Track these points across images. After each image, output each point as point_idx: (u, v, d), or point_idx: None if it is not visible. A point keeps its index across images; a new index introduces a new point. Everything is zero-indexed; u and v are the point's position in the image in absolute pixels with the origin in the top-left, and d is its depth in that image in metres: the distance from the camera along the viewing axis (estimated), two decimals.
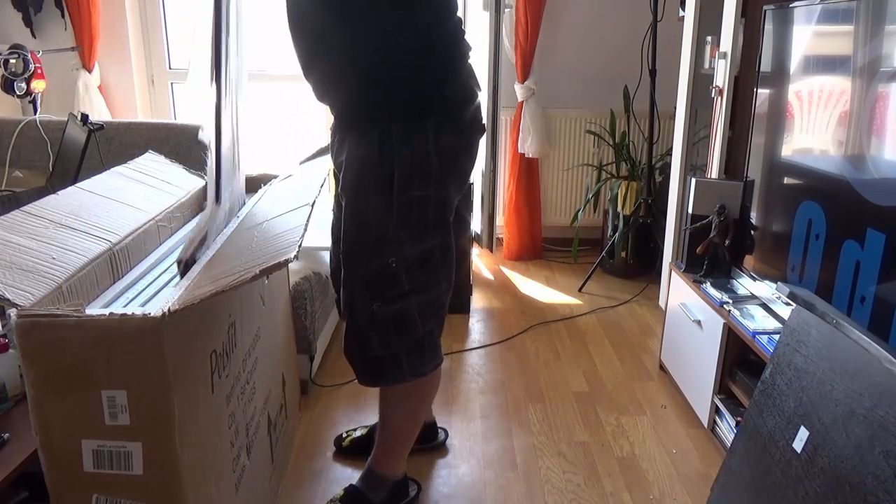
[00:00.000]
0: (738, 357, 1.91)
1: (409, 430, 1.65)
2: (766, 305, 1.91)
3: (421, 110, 1.38)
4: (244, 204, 1.72)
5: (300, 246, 1.12)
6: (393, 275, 1.40)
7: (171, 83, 3.70)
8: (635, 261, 3.32)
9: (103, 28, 3.42)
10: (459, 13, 1.45)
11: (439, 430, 1.98)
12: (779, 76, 1.95)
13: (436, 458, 1.91)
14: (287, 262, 1.05)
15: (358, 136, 1.41)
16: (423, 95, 1.38)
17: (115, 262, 1.32)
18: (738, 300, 1.95)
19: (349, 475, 1.83)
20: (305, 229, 1.26)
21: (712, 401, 1.97)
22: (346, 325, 1.49)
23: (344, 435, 1.94)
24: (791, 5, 1.85)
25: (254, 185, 1.88)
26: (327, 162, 1.80)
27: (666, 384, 2.33)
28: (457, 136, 1.42)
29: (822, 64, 1.75)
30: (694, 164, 2.85)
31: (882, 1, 1.49)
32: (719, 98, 2.40)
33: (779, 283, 1.87)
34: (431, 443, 1.94)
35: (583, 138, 3.57)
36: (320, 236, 2.45)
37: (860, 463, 1.13)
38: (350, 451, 1.90)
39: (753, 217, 2.07)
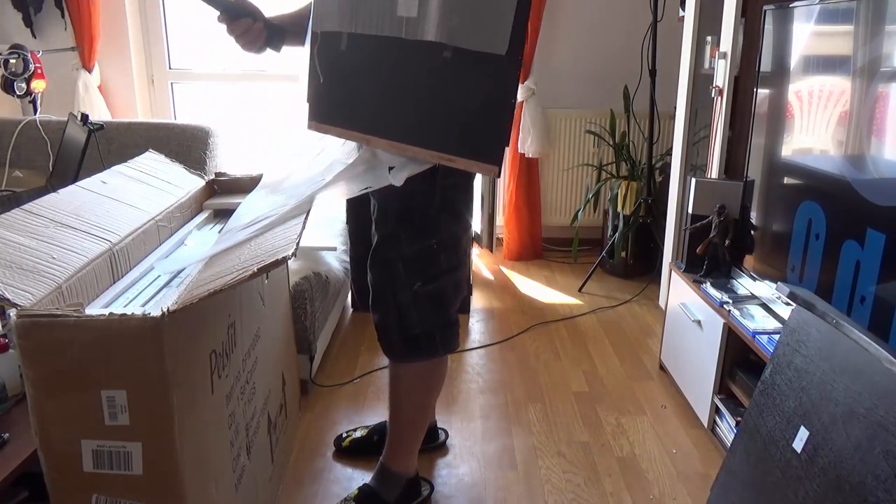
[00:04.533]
0: (738, 357, 1.91)
1: (420, 421, 1.69)
2: (766, 305, 1.91)
3: None
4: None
5: (298, 243, 1.12)
6: (434, 255, 1.50)
7: (171, 83, 3.70)
8: (635, 261, 3.32)
9: (103, 28, 3.42)
10: None
11: (439, 431, 1.98)
12: (779, 76, 1.95)
13: (436, 458, 1.91)
14: (285, 259, 1.05)
15: None
16: None
17: (115, 262, 1.32)
18: (738, 300, 1.95)
19: (349, 475, 1.83)
20: (303, 227, 1.26)
21: (712, 401, 1.97)
22: (380, 308, 1.54)
23: (344, 435, 1.94)
24: (791, 5, 1.85)
25: (254, 185, 1.88)
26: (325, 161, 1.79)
27: (666, 384, 2.33)
28: None
29: (822, 64, 1.75)
30: (694, 164, 2.85)
31: (882, 1, 1.49)
32: (719, 98, 2.40)
33: (779, 283, 1.87)
34: (432, 444, 1.94)
35: (583, 138, 3.57)
36: (320, 236, 2.46)
37: (860, 463, 1.13)
38: (350, 451, 1.90)
39: (753, 217, 2.07)
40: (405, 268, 1.49)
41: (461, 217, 1.53)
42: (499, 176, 1.27)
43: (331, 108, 1.45)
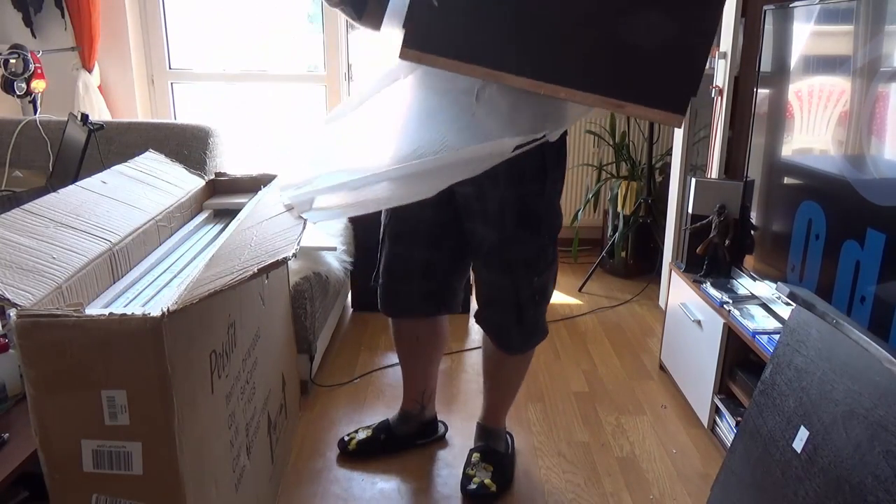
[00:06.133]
0: (738, 357, 1.91)
1: (519, 387, 1.88)
2: (766, 305, 1.91)
3: None
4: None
5: (299, 244, 1.12)
6: (546, 250, 1.61)
7: (171, 83, 3.70)
8: (635, 261, 3.32)
9: (103, 28, 3.42)
10: None
11: (439, 424, 1.99)
12: (779, 76, 1.95)
13: (436, 457, 1.91)
14: (286, 260, 1.05)
15: None
16: None
17: (115, 262, 1.32)
18: (738, 300, 1.95)
19: (349, 475, 1.83)
20: (304, 227, 1.26)
21: (712, 401, 1.97)
22: (498, 308, 1.64)
23: (347, 438, 1.92)
24: (791, 5, 1.85)
25: (254, 185, 1.88)
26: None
27: (666, 384, 2.33)
28: None
29: (822, 64, 1.75)
30: (694, 164, 2.85)
31: (882, 1, 1.49)
32: (719, 98, 2.40)
33: (779, 283, 1.87)
34: (433, 437, 1.94)
35: (583, 138, 3.57)
36: (320, 236, 2.46)
37: (860, 463, 1.13)
38: (357, 453, 1.88)
39: (753, 217, 2.07)
40: (525, 266, 1.58)
41: (560, 209, 1.64)
42: (680, 126, 1.24)
43: (445, 38, 1.27)
